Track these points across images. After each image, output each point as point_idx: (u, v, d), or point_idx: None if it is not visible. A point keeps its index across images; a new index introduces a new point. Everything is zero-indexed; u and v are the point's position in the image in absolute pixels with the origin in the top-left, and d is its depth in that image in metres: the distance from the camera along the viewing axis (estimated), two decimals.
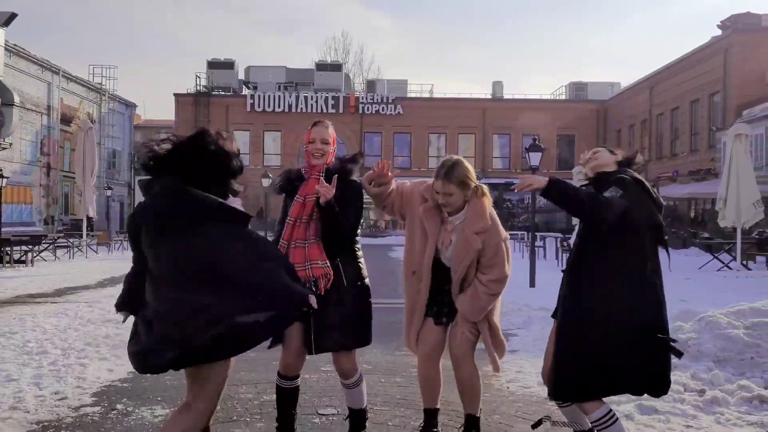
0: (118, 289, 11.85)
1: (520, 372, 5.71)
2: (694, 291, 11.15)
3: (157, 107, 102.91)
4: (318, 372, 5.51)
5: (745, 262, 17.67)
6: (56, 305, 9.80)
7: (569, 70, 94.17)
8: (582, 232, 3.49)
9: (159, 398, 4.84)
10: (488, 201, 3.73)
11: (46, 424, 4.21)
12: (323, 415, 4.28)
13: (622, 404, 4.53)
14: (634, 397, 4.74)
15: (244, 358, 5.32)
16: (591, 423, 3.40)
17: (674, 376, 5.19)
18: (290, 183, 3.72)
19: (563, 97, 49.59)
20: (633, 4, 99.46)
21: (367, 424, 3.82)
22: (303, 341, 3.57)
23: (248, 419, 4.35)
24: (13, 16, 30.82)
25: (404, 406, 4.63)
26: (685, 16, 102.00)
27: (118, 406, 4.62)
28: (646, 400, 4.67)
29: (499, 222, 3.73)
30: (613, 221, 3.21)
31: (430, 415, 3.82)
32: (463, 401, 3.81)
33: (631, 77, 72.42)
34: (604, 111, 46.32)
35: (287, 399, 3.70)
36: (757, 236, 22.78)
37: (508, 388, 5.25)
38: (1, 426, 4.11)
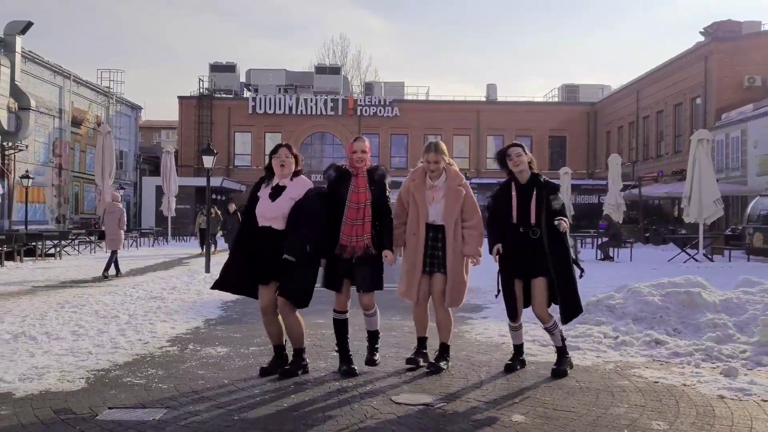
0: (150, 277, 13.73)
1: (487, 329, 7.45)
2: (654, 277, 12.80)
3: (158, 108, 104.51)
4: None
5: (710, 255, 19.39)
6: (102, 288, 11.47)
7: (563, 72, 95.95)
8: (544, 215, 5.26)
9: (217, 342, 6.55)
10: (456, 167, 5.51)
11: (143, 355, 5.91)
12: None
13: None
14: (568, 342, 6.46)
15: None
16: (547, 327, 5.28)
17: (599, 328, 6.95)
18: (339, 175, 5.26)
19: (556, 99, 51.07)
20: (626, 8, 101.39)
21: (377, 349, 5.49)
22: (348, 288, 5.24)
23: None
24: (29, 25, 32.34)
25: (399, 347, 6.34)
26: (681, 17, 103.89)
27: (190, 347, 6.33)
28: (573, 342, 6.37)
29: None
30: None
31: (421, 341, 5.59)
32: (439, 333, 5.51)
33: (622, 79, 74.09)
34: (594, 113, 47.72)
35: (341, 327, 5.31)
36: (730, 232, 24.54)
37: (476, 338, 6.97)
38: (113, 355, 5.81)
